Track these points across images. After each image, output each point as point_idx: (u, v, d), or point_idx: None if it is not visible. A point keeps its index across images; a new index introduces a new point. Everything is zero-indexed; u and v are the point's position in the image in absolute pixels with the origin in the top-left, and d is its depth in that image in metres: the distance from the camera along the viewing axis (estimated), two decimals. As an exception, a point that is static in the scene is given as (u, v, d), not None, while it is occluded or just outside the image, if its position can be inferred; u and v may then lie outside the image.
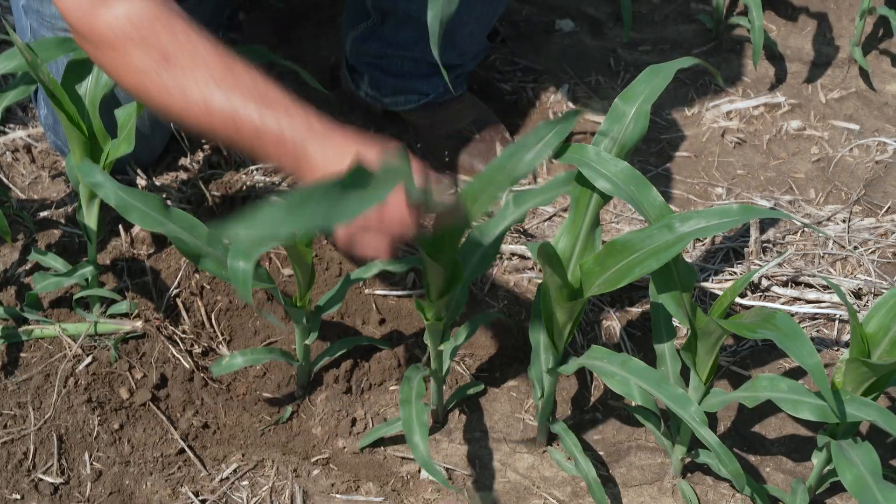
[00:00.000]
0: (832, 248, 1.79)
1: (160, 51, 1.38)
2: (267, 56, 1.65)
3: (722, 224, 1.28)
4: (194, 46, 1.39)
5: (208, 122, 1.38)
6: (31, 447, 1.51)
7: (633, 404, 1.50)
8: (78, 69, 1.63)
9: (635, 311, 1.74)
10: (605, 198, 1.37)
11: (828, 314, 1.67)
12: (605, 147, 1.39)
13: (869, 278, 1.72)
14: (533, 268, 1.81)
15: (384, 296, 1.76)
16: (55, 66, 1.68)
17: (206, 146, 2.00)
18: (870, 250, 1.79)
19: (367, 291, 1.75)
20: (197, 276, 1.77)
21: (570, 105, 2.09)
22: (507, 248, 1.84)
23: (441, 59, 1.90)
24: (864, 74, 2.16)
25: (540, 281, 1.70)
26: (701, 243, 1.81)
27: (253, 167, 1.97)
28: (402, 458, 1.55)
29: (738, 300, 1.68)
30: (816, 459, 1.35)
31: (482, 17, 1.95)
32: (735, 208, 1.28)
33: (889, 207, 1.88)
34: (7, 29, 1.51)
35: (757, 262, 1.79)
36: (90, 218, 1.61)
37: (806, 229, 1.83)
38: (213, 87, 1.37)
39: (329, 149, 1.33)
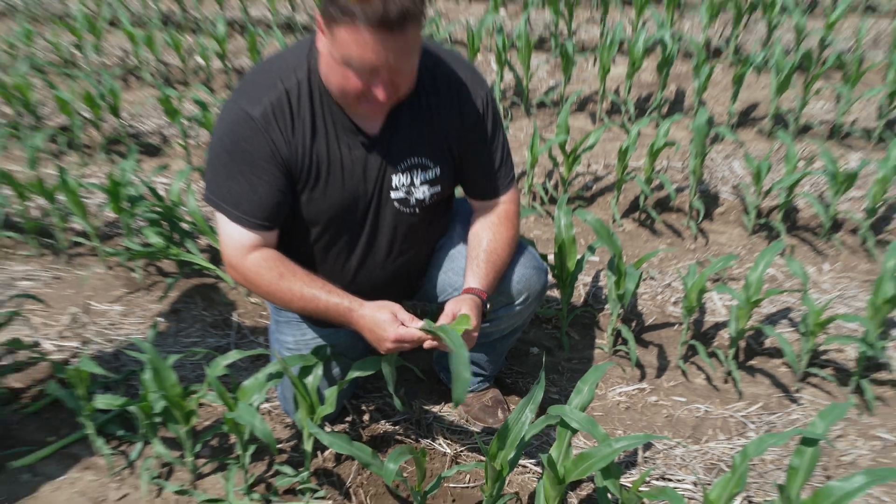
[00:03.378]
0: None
1: (278, 272, 1.57)
2: (377, 365, 1.72)
3: (630, 442, 1.41)
4: (292, 269, 1.58)
5: (303, 304, 1.56)
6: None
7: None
8: (306, 371, 1.74)
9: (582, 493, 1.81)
10: (573, 430, 1.49)
11: None
12: (576, 406, 1.52)
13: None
14: (533, 473, 1.87)
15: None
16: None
17: (363, 409, 2.07)
18: None
19: (444, 486, 1.83)
20: (360, 476, 1.85)
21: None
22: (529, 462, 1.87)
23: (481, 372, 2.04)
24: (684, 374, 2.23)
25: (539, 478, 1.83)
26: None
27: (384, 420, 2.02)
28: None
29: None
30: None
31: (502, 351, 2.03)
32: (640, 435, 1.44)
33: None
34: (273, 354, 1.70)
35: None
36: (308, 445, 1.76)
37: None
38: (303, 286, 1.56)
39: (365, 310, 1.53)
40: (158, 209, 2.65)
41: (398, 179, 1.63)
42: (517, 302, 1.81)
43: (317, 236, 1.69)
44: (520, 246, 1.81)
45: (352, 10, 1.30)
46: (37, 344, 2.42)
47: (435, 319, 1.55)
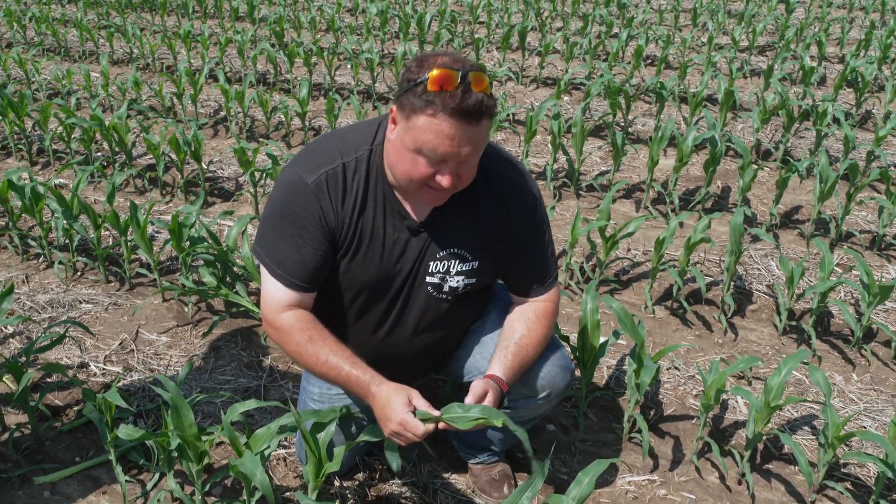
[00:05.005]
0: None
1: (308, 334, 1.53)
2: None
3: None
4: (323, 335, 1.53)
5: (325, 370, 1.52)
6: None
7: None
8: (318, 427, 1.65)
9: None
10: None
11: None
12: (573, 497, 1.40)
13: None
14: None
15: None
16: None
17: (375, 467, 2.00)
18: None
19: None
20: None
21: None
22: None
23: (492, 448, 1.96)
24: (697, 470, 2.08)
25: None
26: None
27: (392, 480, 1.96)
28: None
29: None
30: None
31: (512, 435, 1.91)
32: None
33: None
34: (290, 406, 1.60)
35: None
36: (312, 497, 1.66)
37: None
38: (330, 353, 1.51)
39: (383, 388, 1.47)
40: (214, 251, 2.64)
41: (435, 266, 1.61)
42: (539, 396, 1.75)
43: (349, 303, 1.66)
44: (551, 342, 1.74)
45: (433, 100, 1.32)
46: (84, 365, 2.42)
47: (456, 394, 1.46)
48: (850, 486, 2.06)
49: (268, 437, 1.68)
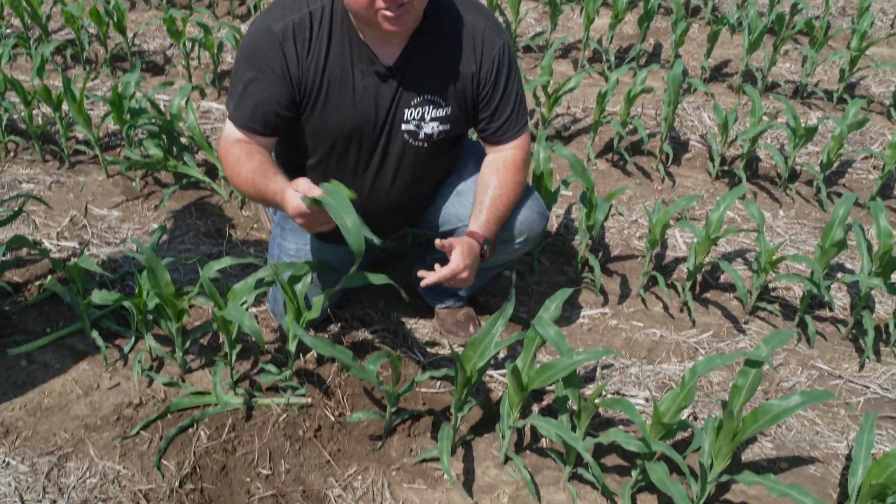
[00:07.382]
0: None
1: (238, 157, 1.51)
2: (365, 279, 1.73)
3: (591, 356, 1.44)
4: (251, 156, 1.51)
5: (248, 187, 1.50)
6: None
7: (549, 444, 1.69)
8: (295, 279, 1.71)
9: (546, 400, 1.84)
10: (542, 342, 1.53)
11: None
12: (546, 317, 1.54)
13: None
14: (500, 383, 1.91)
15: (429, 392, 1.86)
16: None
17: (345, 318, 2.06)
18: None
19: (416, 390, 1.85)
20: (339, 378, 1.86)
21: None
22: (495, 373, 1.90)
23: (462, 294, 2.01)
24: (643, 301, 2.22)
25: (503, 387, 1.89)
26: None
27: (363, 328, 2.01)
28: (437, 468, 1.65)
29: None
30: None
31: (484, 280, 2.02)
32: (599, 350, 1.46)
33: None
34: (268, 259, 1.67)
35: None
36: (292, 346, 1.75)
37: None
38: (251, 171, 1.48)
39: (284, 194, 1.39)
40: (159, 123, 2.56)
41: (409, 113, 1.62)
42: (517, 241, 1.81)
43: (325, 155, 1.66)
44: (527, 190, 1.80)
45: None
46: (38, 243, 2.36)
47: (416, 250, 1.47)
48: (778, 307, 2.26)
49: (246, 291, 1.73)
